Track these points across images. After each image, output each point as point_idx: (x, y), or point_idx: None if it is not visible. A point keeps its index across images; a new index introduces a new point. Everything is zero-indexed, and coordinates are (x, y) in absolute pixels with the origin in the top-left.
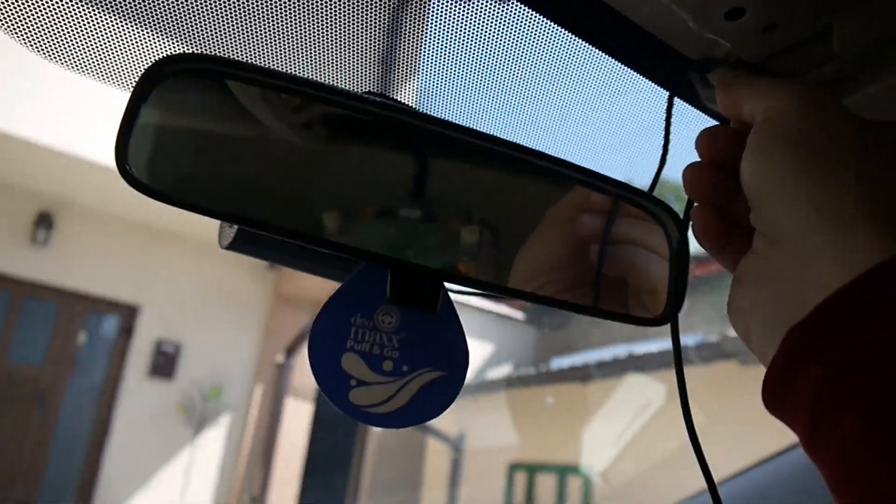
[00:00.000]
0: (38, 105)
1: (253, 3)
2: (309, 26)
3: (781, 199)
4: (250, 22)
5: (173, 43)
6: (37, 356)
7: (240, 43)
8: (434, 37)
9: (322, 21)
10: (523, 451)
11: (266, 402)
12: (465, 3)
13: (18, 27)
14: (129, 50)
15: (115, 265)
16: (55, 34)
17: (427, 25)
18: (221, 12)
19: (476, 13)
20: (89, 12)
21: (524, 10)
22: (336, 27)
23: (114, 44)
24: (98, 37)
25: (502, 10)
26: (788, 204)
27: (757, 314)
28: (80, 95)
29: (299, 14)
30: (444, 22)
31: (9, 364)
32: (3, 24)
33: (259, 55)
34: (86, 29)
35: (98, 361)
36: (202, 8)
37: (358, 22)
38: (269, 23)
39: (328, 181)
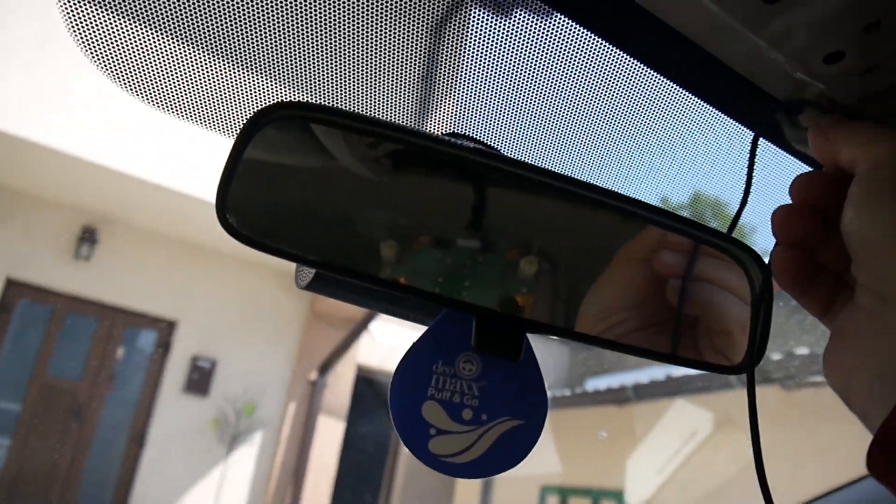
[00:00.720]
0: (84, 121)
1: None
2: (361, 63)
3: (892, 254)
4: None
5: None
6: (75, 370)
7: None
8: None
9: (371, 58)
10: (567, 473)
11: (298, 420)
12: (543, 38)
13: (124, 77)
14: (224, 94)
15: (154, 281)
16: (157, 82)
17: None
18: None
19: (555, 46)
20: (189, 58)
21: (604, 44)
22: (381, 63)
23: (211, 89)
24: (195, 81)
25: (583, 45)
26: None
27: (863, 372)
28: (126, 111)
29: (353, 52)
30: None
31: (47, 377)
32: (111, 76)
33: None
34: (186, 74)
35: (135, 376)
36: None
37: (396, 55)
38: (331, 68)
39: (391, 212)
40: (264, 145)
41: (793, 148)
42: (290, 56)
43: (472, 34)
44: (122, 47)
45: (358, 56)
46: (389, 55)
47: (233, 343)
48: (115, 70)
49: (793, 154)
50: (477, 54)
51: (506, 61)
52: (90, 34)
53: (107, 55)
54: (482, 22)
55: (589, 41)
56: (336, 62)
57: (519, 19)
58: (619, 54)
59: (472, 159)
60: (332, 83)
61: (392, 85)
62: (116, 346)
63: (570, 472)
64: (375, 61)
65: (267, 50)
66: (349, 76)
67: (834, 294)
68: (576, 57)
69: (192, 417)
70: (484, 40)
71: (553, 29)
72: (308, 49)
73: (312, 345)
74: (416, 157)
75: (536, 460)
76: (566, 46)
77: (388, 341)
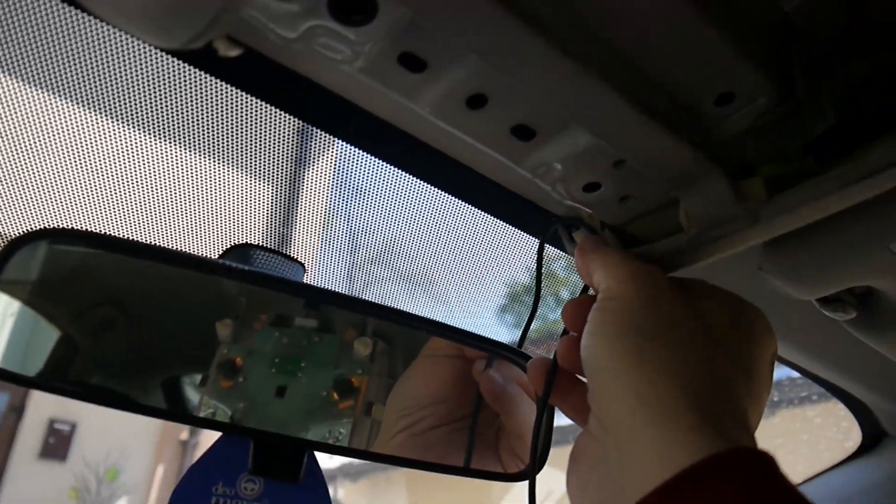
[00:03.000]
0: None
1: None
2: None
3: (610, 387)
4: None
5: None
6: None
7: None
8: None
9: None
10: None
11: (167, 484)
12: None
13: None
14: None
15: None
16: None
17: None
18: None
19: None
20: None
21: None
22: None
23: None
24: None
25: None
26: (616, 391)
27: (588, 494)
28: None
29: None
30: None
31: None
32: None
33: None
34: None
35: None
36: None
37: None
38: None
39: (223, 293)
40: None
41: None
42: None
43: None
44: None
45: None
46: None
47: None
48: None
49: None
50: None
51: (336, 195)
52: None
53: None
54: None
55: (393, 174)
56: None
57: (341, 159)
58: (420, 183)
59: (270, 286)
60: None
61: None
62: None
63: None
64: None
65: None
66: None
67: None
68: (388, 189)
69: (48, 485)
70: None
71: (366, 165)
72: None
73: None
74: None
75: None
76: (379, 179)
77: None
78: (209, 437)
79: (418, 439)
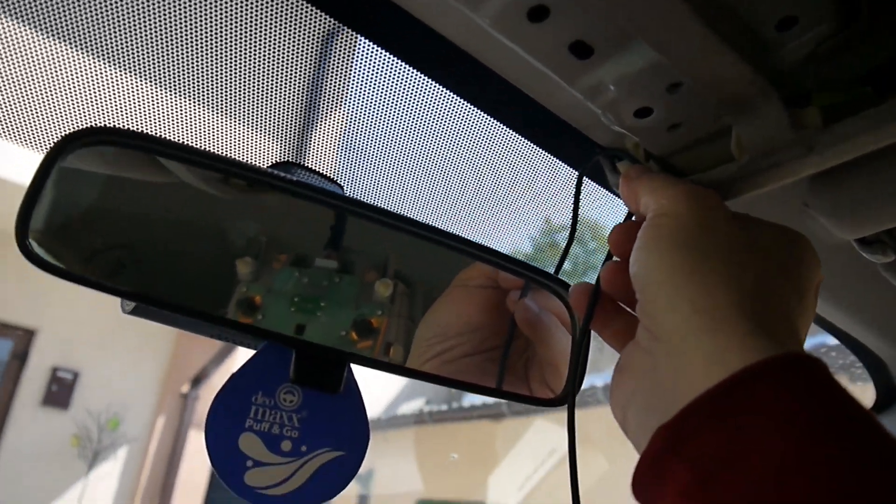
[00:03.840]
0: None
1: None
2: (236, 96)
3: (664, 297)
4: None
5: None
6: None
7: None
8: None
9: (248, 91)
10: (432, 488)
11: (168, 435)
12: (386, 81)
13: None
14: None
15: (11, 286)
16: None
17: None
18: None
19: (397, 91)
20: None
21: (441, 89)
22: (260, 96)
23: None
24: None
25: (422, 91)
26: (670, 302)
27: (633, 406)
28: None
29: (228, 83)
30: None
31: None
32: None
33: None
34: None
35: None
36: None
37: (280, 92)
38: (195, 88)
39: (244, 231)
40: (74, 169)
41: (614, 191)
42: (141, 76)
43: (335, 77)
44: None
45: (225, 86)
46: (258, 88)
47: (98, 354)
48: None
49: (616, 195)
50: (341, 96)
51: (365, 109)
52: None
53: None
54: (343, 66)
55: (433, 89)
56: (194, 88)
57: (371, 67)
58: (457, 100)
59: (312, 196)
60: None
61: (256, 116)
62: None
63: (444, 485)
64: (243, 92)
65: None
66: (213, 106)
67: (630, 332)
68: (423, 104)
69: (50, 432)
70: (344, 84)
71: (401, 76)
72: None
73: (185, 356)
74: (249, 182)
75: (405, 477)
76: (419, 97)
77: None
78: (209, 391)
79: (450, 367)
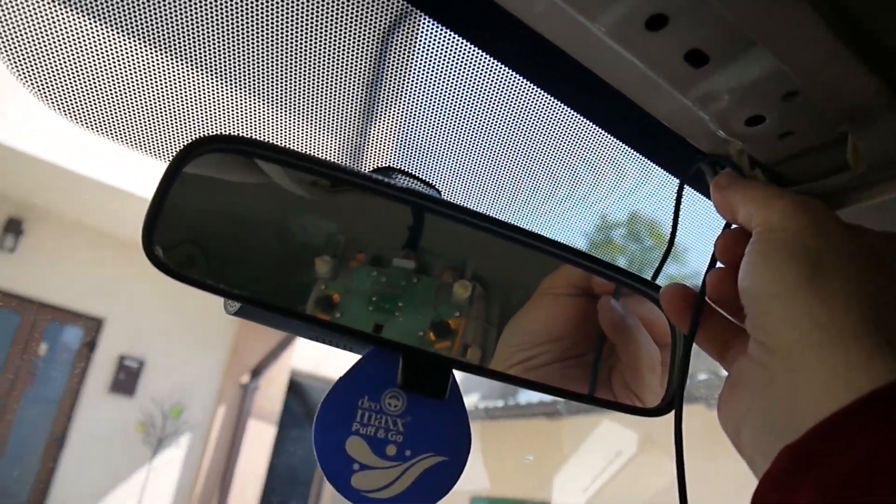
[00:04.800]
0: (11, 108)
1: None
2: (300, 94)
3: (780, 311)
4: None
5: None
6: None
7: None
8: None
9: (311, 89)
10: (496, 486)
11: (228, 424)
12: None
13: (56, 98)
14: (158, 119)
15: (82, 276)
16: (90, 105)
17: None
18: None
19: (499, 95)
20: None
21: (544, 95)
22: (320, 95)
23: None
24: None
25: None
26: (787, 316)
27: (749, 421)
28: None
29: (293, 83)
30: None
31: None
32: (42, 96)
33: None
34: (122, 98)
35: (58, 373)
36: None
37: (337, 87)
38: (271, 97)
39: (324, 230)
40: (194, 177)
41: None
42: (231, 83)
43: (415, 74)
44: (54, 67)
45: (298, 86)
46: (330, 87)
47: (162, 343)
48: (47, 90)
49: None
50: (419, 94)
51: (455, 107)
52: (20, 55)
53: (38, 76)
54: (427, 63)
55: (530, 91)
56: (276, 93)
57: (465, 68)
58: (556, 104)
59: (403, 198)
60: (270, 114)
61: (331, 117)
62: (39, 341)
63: (500, 483)
64: (315, 92)
65: (209, 77)
66: (288, 107)
67: (729, 340)
68: (522, 107)
69: (116, 418)
70: (429, 81)
71: (497, 78)
72: (249, 77)
73: (245, 347)
74: (348, 186)
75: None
76: (513, 98)
77: (322, 347)
78: (267, 382)
79: (534, 373)
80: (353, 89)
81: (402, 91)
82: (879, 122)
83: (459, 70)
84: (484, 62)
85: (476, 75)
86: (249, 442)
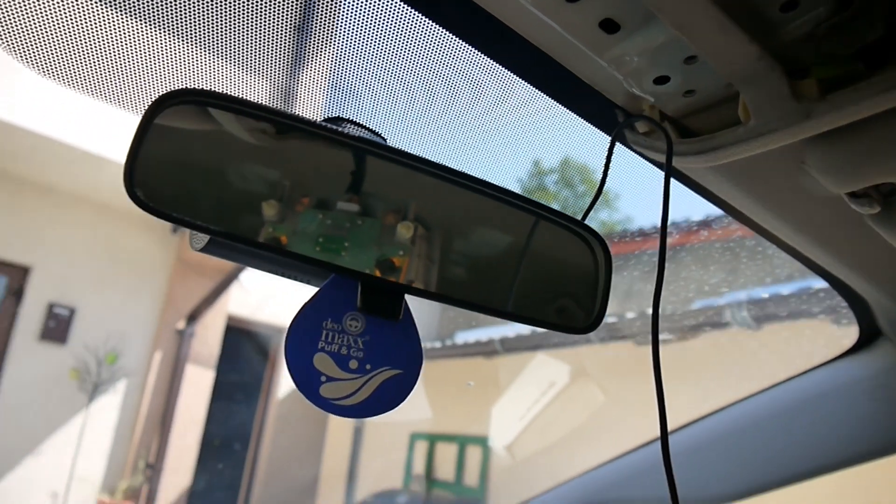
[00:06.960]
0: None
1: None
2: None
3: None
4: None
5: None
6: None
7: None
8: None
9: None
10: (426, 422)
11: (165, 369)
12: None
13: (23, 50)
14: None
15: (3, 223)
16: (59, 57)
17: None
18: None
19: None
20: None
21: (478, 54)
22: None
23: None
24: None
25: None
26: None
27: None
28: None
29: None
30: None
31: None
32: (14, 50)
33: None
34: (93, 52)
35: None
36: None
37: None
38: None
39: (275, 177)
40: (165, 126)
41: (633, 148)
42: (165, 30)
43: (345, 23)
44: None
45: (231, 32)
46: (264, 39)
47: (94, 290)
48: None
49: (635, 152)
50: (350, 43)
51: (388, 58)
52: None
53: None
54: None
55: (464, 51)
56: (213, 40)
57: (397, 25)
58: (490, 63)
59: (349, 143)
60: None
61: (266, 62)
62: None
63: (439, 419)
64: (247, 38)
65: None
66: (228, 55)
67: None
68: (456, 64)
69: (49, 366)
70: (358, 31)
71: (431, 36)
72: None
73: (180, 293)
74: (300, 133)
75: (409, 408)
76: (448, 56)
77: (259, 292)
78: (204, 328)
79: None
80: (284, 35)
81: (332, 38)
82: (763, 83)
83: (391, 26)
84: (417, 20)
85: (408, 32)
86: (188, 386)
